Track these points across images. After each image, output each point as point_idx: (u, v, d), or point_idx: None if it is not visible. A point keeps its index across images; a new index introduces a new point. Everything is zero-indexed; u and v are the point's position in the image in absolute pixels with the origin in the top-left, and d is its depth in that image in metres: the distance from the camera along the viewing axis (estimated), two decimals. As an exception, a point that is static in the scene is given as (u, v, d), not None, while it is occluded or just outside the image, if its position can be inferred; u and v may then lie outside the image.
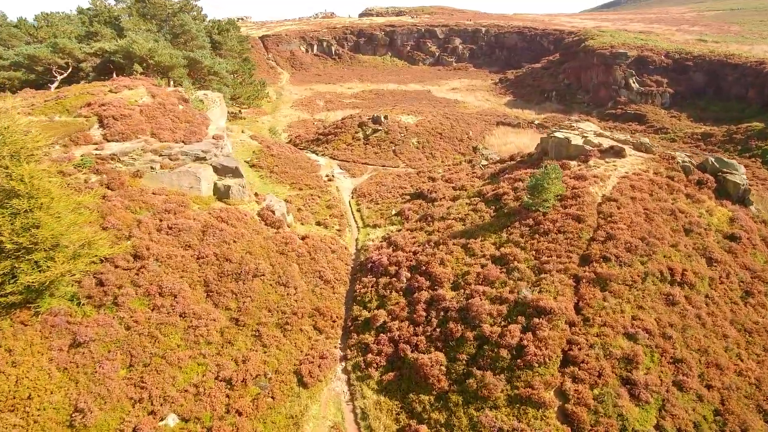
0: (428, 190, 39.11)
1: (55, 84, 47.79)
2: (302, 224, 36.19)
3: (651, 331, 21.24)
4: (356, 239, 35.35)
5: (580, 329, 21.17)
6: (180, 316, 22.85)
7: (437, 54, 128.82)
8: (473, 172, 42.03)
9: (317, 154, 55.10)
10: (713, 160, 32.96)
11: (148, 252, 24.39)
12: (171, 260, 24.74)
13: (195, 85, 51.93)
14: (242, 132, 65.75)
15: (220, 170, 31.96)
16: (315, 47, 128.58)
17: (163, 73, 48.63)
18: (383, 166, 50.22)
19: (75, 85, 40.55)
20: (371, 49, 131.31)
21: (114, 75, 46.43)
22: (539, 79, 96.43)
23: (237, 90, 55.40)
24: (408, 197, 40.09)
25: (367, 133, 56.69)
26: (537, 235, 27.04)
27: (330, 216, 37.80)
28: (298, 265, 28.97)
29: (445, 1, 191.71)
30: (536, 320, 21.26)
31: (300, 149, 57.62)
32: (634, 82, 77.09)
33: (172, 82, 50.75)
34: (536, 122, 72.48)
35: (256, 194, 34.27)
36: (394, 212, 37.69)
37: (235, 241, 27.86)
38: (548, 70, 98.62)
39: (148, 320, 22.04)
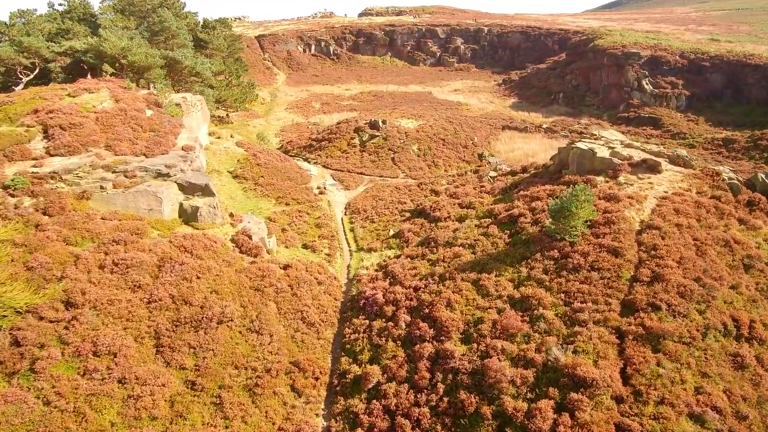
0: (431, 206, 34.00)
1: (20, 86, 42.77)
2: (287, 247, 31.11)
3: (721, 410, 16.13)
4: (348, 265, 30.25)
5: (630, 408, 16.05)
6: (119, 382, 17.73)
7: (438, 54, 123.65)
8: (481, 186, 36.91)
9: (309, 162, 49.99)
10: (763, 176, 27.83)
11: (84, 297, 19.27)
12: (113, 307, 19.62)
13: (175, 87, 46.85)
14: (230, 137, 60.66)
15: (187, 188, 26.85)
16: (313, 47, 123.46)
17: (138, 74, 43.59)
18: (381, 176, 45.08)
19: (31, 88, 35.51)
20: (370, 49, 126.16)
21: (89, 76, 41.49)
22: (545, 80, 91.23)
23: (223, 92, 50.39)
24: (408, 214, 34.98)
25: (364, 139, 51.57)
26: (565, 272, 21.93)
27: (319, 237, 32.71)
28: (276, 303, 23.88)
29: (446, 0, 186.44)
30: (574, 395, 16.16)
31: (291, 156, 52.52)
32: (647, 84, 71.87)
33: (152, 85, 45.87)
34: (544, 126, 67.34)
35: (231, 215, 29.17)
36: (392, 233, 32.58)
37: (198, 277, 22.77)
38: (554, 70, 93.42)
39: (76, 391, 16.93)
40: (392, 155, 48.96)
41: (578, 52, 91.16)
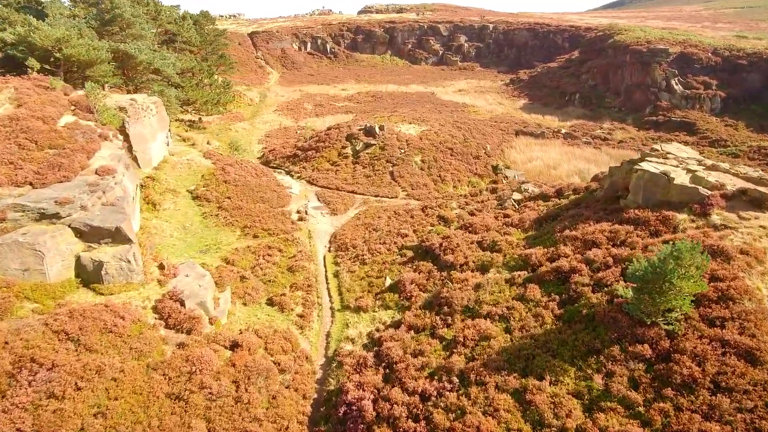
0: (440, 244, 25.09)
1: (-67, 85, 33.97)
2: (245, 304, 22.26)
3: None
4: (327, 333, 21.37)
5: None
6: None
7: (441, 53, 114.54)
8: (503, 213, 27.99)
9: (292, 176, 41.08)
10: None
11: None
12: None
13: (128, 87, 37.97)
14: (207, 143, 51.88)
15: (89, 233, 17.99)
16: (309, 45, 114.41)
17: (80, 70, 34.78)
18: (376, 195, 36.10)
19: None
20: (370, 47, 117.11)
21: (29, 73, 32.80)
22: (557, 79, 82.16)
23: (191, 93, 41.64)
24: (410, 253, 26.06)
25: (358, 148, 42.67)
26: (670, 390, 13.03)
27: (291, 287, 23.85)
28: (207, 421, 15.06)
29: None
30: None
31: (273, 168, 43.64)
32: (676, 84, 62.81)
33: (107, 86, 37.11)
34: (563, 131, 58.39)
35: (161, 266, 20.33)
36: (388, 283, 23.67)
37: (79, 388, 13.97)
38: (567, 69, 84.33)
39: None
40: (391, 168, 40.05)
41: (594, 50, 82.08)
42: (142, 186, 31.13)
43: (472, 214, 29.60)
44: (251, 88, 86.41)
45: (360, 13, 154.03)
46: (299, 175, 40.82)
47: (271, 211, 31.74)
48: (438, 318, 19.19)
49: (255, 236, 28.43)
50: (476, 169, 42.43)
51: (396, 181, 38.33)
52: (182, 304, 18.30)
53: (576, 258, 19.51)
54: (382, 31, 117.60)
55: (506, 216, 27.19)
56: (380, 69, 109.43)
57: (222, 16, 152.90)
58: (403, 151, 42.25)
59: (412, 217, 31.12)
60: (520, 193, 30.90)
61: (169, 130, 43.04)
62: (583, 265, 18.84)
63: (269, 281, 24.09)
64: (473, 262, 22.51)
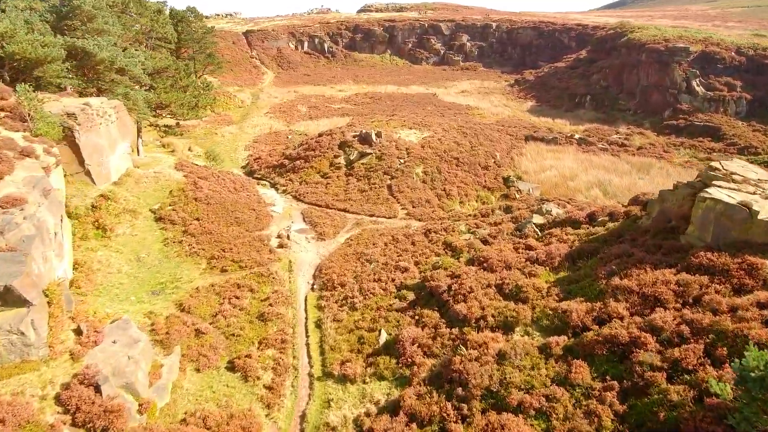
0: (448, 287, 19.86)
1: None
2: (198, 371, 17.06)
3: None
4: (302, 415, 16.12)
5: None
6: None
7: (442, 52, 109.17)
8: (523, 242, 22.75)
9: (277, 190, 35.89)
10: None
11: None
12: None
13: (88, 89, 32.74)
14: (189, 150, 46.81)
15: (-36, 297, 12.81)
16: (306, 44, 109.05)
17: (28, 70, 29.57)
18: (371, 215, 30.80)
19: None
20: (368, 46, 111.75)
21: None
22: (566, 80, 76.80)
23: (164, 96, 36.46)
24: (411, 295, 20.81)
25: (352, 158, 37.48)
26: None
27: (260, 344, 18.63)
28: None
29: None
30: None
31: (257, 179, 38.47)
32: (698, 85, 57.55)
33: (69, 88, 32.15)
34: (577, 137, 53.14)
35: (78, 330, 15.11)
36: (383, 339, 18.41)
37: None
38: (576, 69, 78.99)
39: None
40: (389, 182, 34.84)
41: (605, 49, 76.84)
42: (93, 207, 25.99)
43: (485, 241, 24.38)
44: (243, 88, 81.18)
45: (359, 11, 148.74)
46: (285, 188, 35.63)
47: (247, 236, 26.53)
48: (449, 405, 13.96)
49: (223, 270, 23.22)
50: (485, 181, 37.21)
51: (394, 197, 33.11)
52: (98, 389, 13.11)
53: (635, 322, 14.29)
54: (382, 30, 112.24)
55: (528, 248, 21.94)
56: (379, 69, 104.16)
57: (218, 15, 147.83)
58: (402, 161, 37.04)
59: (413, 243, 25.88)
60: (542, 216, 25.64)
61: (140, 138, 37.92)
62: (647, 335, 13.61)
63: (233, 335, 18.88)
64: (493, 317, 17.26)
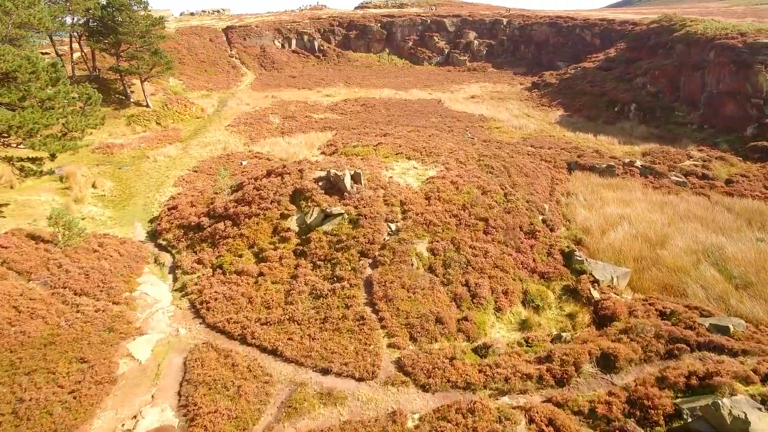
0: None
1: None
2: None
3: None
4: None
5: None
6: None
7: (446, 51, 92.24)
8: None
9: (175, 279, 19.58)
10: None
11: None
12: None
13: None
14: (92, 188, 30.91)
15: None
16: (294, 42, 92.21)
17: None
18: (327, 371, 14.20)
19: None
20: (364, 44, 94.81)
21: None
22: (599, 84, 59.96)
23: (2, 116, 20.38)
24: None
25: (310, 219, 21.02)
26: None
27: None
28: None
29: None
30: None
31: (160, 248, 22.16)
32: (794, 93, 40.84)
33: None
34: (638, 164, 36.57)
35: None
36: None
37: None
38: (610, 71, 62.14)
39: None
40: (368, 272, 18.40)
41: (647, 46, 59.99)
42: None
43: None
44: (212, 93, 64.64)
45: (356, 9, 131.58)
46: (186, 281, 19.24)
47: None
48: None
49: None
50: (533, 260, 20.77)
51: (377, 312, 16.63)
52: None
53: None
54: (379, 26, 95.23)
55: None
56: (376, 70, 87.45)
57: (204, 12, 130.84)
58: (394, 227, 20.59)
59: None
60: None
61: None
62: None
63: None
64: None
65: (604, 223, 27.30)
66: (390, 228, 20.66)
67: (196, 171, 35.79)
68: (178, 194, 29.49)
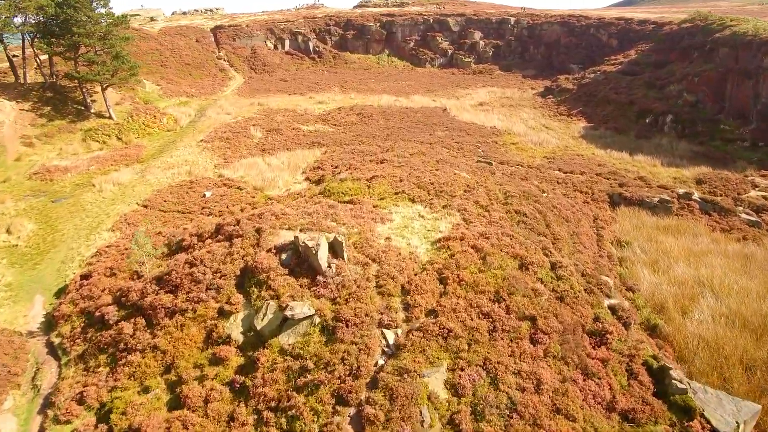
0: None
1: None
2: None
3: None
4: None
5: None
6: None
7: (450, 52, 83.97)
8: None
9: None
10: None
11: None
12: None
13: None
14: (6, 232, 23.10)
15: None
16: (287, 42, 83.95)
17: None
18: None
19: None
20: (362, 45, 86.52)
21: None
22: (624, 90, 51.75)
23: None
24: None
25: (260, 325, 13.07)
26: None
27: None
28: None
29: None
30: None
31: (55, 355, 14.25)
32: None
33: None
34: (696, 196, 28.62)
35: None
36: None
37: None
38: (637, 76, 53.88)
39: None
40: (348, 441, 10.61)
41: (679, 48, 51.81)
42: None
43: None
44: (191, 100, 56.59)
45: (355, 7, 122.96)
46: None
47: None
48: None
49: None
50: (608, 388, 12.85)
51: None
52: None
53: None
54: (378, 25, 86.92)
55: None
56: (374, 72, 79.31)
57: (197, 11, 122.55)
58: (392, 340, 12.66)
59: None
60: None
61: None
62: None
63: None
64: None
65: (679, 294, 19.41)
66: (386, 341, 12.75)
67: (146, 206, 27.87)
68: (106, 249, 21.53)
